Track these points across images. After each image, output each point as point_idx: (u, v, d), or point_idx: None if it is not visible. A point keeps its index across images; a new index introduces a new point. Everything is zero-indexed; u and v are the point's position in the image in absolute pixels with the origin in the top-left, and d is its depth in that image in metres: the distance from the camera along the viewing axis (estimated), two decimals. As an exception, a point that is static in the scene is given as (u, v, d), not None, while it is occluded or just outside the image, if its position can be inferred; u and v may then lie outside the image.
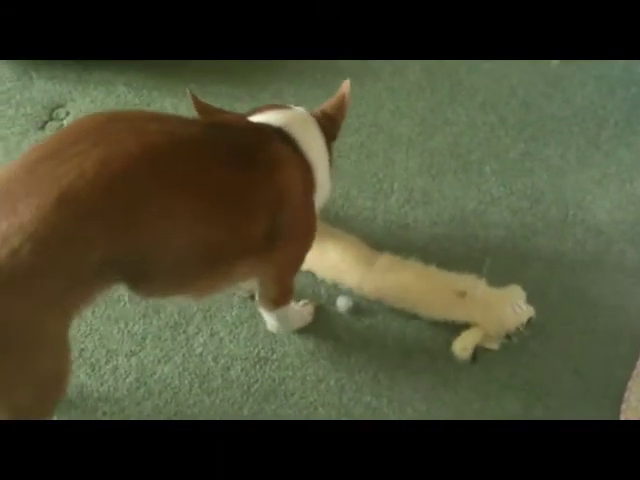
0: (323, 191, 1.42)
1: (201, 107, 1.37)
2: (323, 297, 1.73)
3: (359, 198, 1.93)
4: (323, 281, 1.73)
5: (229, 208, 1.17)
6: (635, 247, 1.86)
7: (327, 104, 1.45)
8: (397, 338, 1.68)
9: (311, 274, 1.73)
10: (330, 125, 1.43)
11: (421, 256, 1.71)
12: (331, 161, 1.45)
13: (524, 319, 1.60)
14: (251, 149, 1.20)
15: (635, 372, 1.61)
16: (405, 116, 2.14)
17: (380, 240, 1.78)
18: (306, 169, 1.32)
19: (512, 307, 1.60)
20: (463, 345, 1.61)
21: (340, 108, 1.44)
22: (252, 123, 1.32)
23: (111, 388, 1.58)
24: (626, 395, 1.58)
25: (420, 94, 2.22)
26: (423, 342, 1.67)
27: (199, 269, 1.21)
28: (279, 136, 1.29)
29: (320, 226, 1.67)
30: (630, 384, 1.60)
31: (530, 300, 1.65)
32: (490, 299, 1.62)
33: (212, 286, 1.34)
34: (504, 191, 1.98)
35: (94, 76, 2.20)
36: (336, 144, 1.97)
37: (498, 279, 1.67)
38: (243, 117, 1.37)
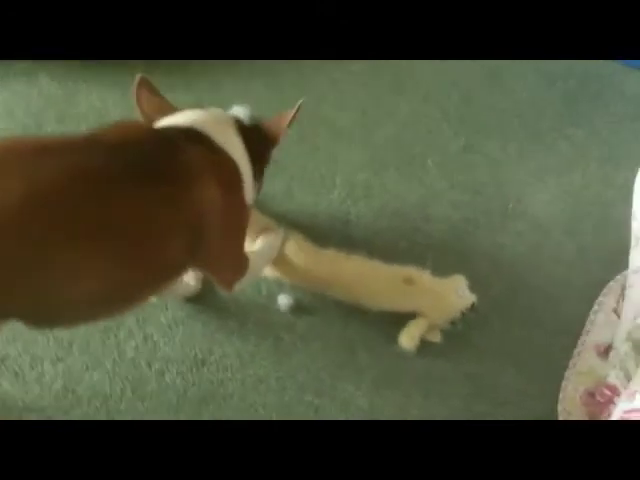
0: (248, 187, 1.34)
1: (145, 97, 1.27)
2: (263, 295, 1.68)
3: (301, 193, 1.88)
4: (264, 278, 1.67)
5: (141, 239, 1.07)
6: (572, 238, 1.88)
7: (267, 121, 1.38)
8: (339, 336, 1.65)
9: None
10: (257, 137, 1.36)
11: (365, 250, 1.68)
12: (259, 179, 1.40)
13: (468, 304, 1.60)
14: (160, 166, 1.10)
15: (572, 362, 1.62)
16: (347, 108, 2.10)
17: (323, 236, 1.73)
18: (227, 164, 1.24)
19: (456, 293, 1.60)
20: (410, 335, 1.59)
21: (277, 127, 1.37)
22: (157, 133, 1.21)
23: (37, 397, 1.49)
24: (563, 384, 1.58)
25: (362, 86, 2.18)
26: (366, 339, 1.64)
27: (118, 302, 1.14)
28: (190, 138, 1.18)
29: (261, 222, 1.65)
30: (567, 374, 1.60)
31: (473, 292, 1.63)
32: (435, 287, 1.61)
33: (134, 305, 1.25)
34: (446, 184, 1.96)
35: (14, 67, 2.04)
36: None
37: (442, 272, 1.65)
38: (146, 126, 1.25)
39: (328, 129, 2.04)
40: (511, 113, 2.16)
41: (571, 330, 1.69)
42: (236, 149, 1.28)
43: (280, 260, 1.62)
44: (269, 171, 1.86)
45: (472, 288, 1.63)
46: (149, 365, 1.56)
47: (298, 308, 1.66)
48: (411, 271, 1.62)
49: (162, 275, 1.19)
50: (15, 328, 1.51)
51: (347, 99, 2.13)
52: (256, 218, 1.60)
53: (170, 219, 1.10)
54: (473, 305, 1.60)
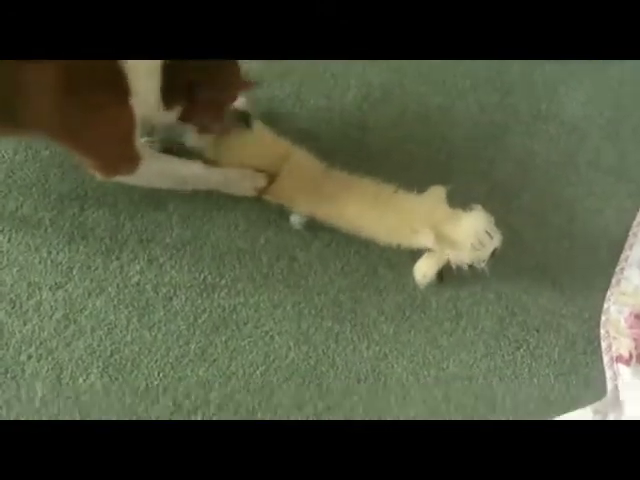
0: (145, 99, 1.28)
1: None
2: (274, 211, 1.54)
3: (311, 97, 1.70)
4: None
5: None
6: (612, 143, 1.73)
7: None
8: (359, 254, 1.53)
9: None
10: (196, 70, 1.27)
11: (382, 162, 1.55)
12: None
13: (486, 255, 1.43)
14: None
15: (614, 280, 1.52)
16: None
17: (337, 145, 1.58)
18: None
19: (472, 245, 1.42)
20: (422, 272, 1.48)
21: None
22: None
23: (36, 327, 1.38)
24: (605, 306, 1.48)
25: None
26: (388, 258, 1.52)
27: None
28: None
29: (265, 138, 1.52)
30: (609, 294, 1.50)
31: (502, 204, 1.54)
32: (447, 236, 1.44)
33: None
34: (470, 84, 1.79)
35: None
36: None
37: (467, 183, 1.52)
38: None
39: (339, 23, 1.83)
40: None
41: (613, 245, 1.58)
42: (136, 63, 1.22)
43: (284, 188, 1.49)
44: (276, 72, 1.70)
45: (502, 199, 1.53)
46: (155, 290, 1.44)
47: (313, 225, 1.53)
48: (420, 218, 1.46)
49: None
50: (10, 252, 1.41)
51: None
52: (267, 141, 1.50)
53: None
54: (495, 251, 1.43)
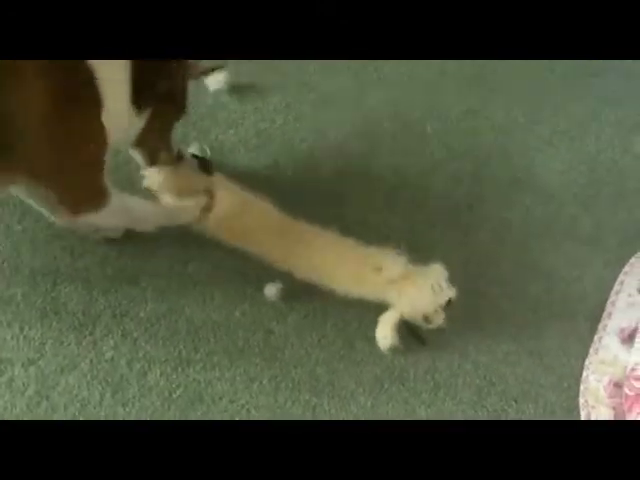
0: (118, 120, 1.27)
1: None
2: (250, 283, 1.54)
3: (287, 168, 1.72)
4: (250, 265, 1.53)
5: None
6: (588, 212, 1.74)
7: None
8: (337, 326, 1.52)
9: (237, 257, 1.53)
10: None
11: (360, 231, 1.55)
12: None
13: (443, 301, 1.45)
14: None
15: (592, 349, 1.50)
16: (336, 72, 1.92)
17: (314, 215, 1.57)
18: (72, 76, 1.15)
19: (431, 287, 1.45)
20: (382, 333, 1.47)
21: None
22: None
23: (8, 404, 1.37)
24: (584, 375, 1.46)
25: (352, 47, 2.00)
26: (365, 329, 1.51)
27: None
28: None
29: (229, 188, 1.55)
30: (587, 363, 1.48)
31: (479, 274, 1.55)
32: (407, 278, 1.47)
33: None
34: (447, 154, 1.81)
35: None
36: (258, 105, 1.78)
37: (443, 252, 1.54)
38: None
39: (315, 95, 1.86)
40: (517, 74, 1.98)
41: (590, 314, 1.56)
42: (107, 70, 1.19)
43: (246, 227, 1.51)
44: (250, 144, 1.73)
45: (478, 269, 1.52)
46: (129, 366, 1.43)
47: (290, 297, 1.52)
48: (383, 259, 1.48)
49: None
50: (-20, 330, 1.41)
51: (334, 62, 1.93)
52: (196, 177, 1.54)
53: None
54: (450, 301, 1.45)
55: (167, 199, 1.54)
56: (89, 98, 1.19)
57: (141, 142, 1.44)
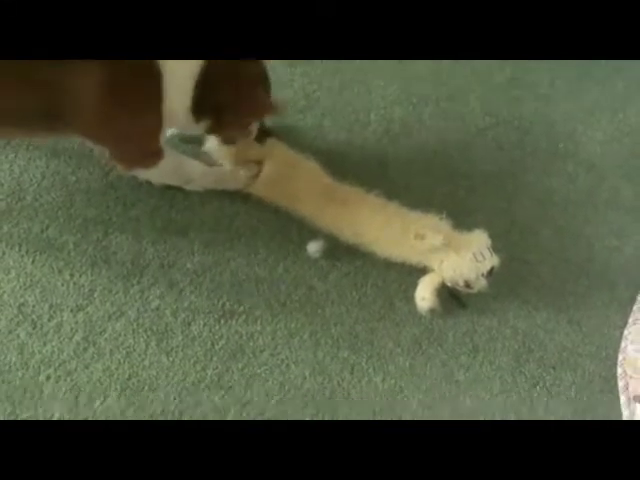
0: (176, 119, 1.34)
1: None
2: (293, 240, 1.56)
3: (332, 130, 1.73)
4: (294, 222, 1.55)
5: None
6: (630, 182, 1.74)
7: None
8: (377, 286, 1.53)
9: (281, 214, 1.55)
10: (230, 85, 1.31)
11: (402, 195, 1.56)
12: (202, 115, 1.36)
13: (485, 269, 1.45)
14: None
15: (631, 319, 1.51)
16: (381, 37, 1.92)
17: (357, 178, 1.58)
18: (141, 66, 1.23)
19: (473, 255, 1.45)
20: (420, 295, 1.48)
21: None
22: None
23: (55, 348, 1.39)
24: (623, 345, 1.47)
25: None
26: (406, 290, 1.53)
27: None
28: None
29: (278, 150, 1.56)
30: (626, 332, 1.49)
31: (520, 241, 1.55)
32: (450, 245, 1.47)
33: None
34: (490, 121, 1.81)
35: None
36: (306, 69, 1.78)
37: (485, 219, 1.54)
38: None
39: (361, 61, 1.86)
40: (562, 43, 1.97)
41: (630, 283, 1.57)
42: (174, 73, 1.26)
43: (292, 189, 1.52)
44: (298, 105, 1.73)
45: (520, 236, 1.53)
46: (174, 315, 1.45)
47: (332, 255, 1.54)
48: (426, 226, 1.48)
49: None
50: (33, 274, 1.44)
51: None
52: (252, 147, 1.55)
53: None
54: (492, 269, 1.45)
55: (221, 165, 1.57)
56: (150, 91, 1.27)
57: (212, 133, 1.48)
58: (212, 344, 1.43)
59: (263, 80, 1.40)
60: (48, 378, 1.35)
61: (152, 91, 1.27)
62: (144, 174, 1.48)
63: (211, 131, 1.44)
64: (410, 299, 1.51)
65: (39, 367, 1.37)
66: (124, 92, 1.26)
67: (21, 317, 1.41)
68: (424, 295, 1.48)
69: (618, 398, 1.44)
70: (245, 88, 1.33)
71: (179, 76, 1.27)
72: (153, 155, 1.42)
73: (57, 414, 1.31)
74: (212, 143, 1.57)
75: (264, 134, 1.55)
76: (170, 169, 1.47)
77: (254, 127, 1.50)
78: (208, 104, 1.32)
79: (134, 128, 1.34)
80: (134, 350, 1.41)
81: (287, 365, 1.43)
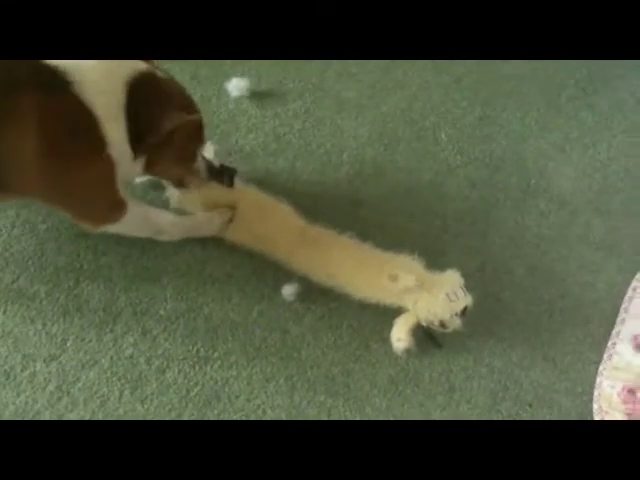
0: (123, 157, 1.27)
1: None
2: (267, 284, 1.56)
3: (305, 172, 1.75)
4: (268, 265, 1.55)
5: None
6: (601, 217, 1.75)
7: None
8: (352, 327, 1.54)
9: (255, 257, 1.55)
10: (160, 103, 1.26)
11: (375, 235, 1.57)
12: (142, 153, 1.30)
13: (459, 308, 1.45)
14: None
15: (606, 355, 1.51)
16: (353, 79, 1.95)
17: (330, 219, 1.60)
18: (69, 114, 1.18)
19: (446, 295, 1.45)
20: (397, 335, 1.48)
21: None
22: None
23: (29, 399, 1.38)
24: (598, 381, 1.48)
25: (369, 54, 2.02)
26: (381, 331, 1.53)
27: None
28: (42, 79, 1.15)
29: (249, 193, 1.57)
30: (601, 368, 1.49)
31: (494, 279, 1.56)
32: (423, 286, 1.47)
33: None
34: (461, 160, 1.83)
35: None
36: (278, 111, 1.80)
37: (457, 257, 1.57)
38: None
39: (333, 101, 1.89)
40: (529, 81, 2.02)
41: (604, 319, 1.58)
42: (106, 106, 1.20)
43: (265, 232, 1.52)
44: (269, 149, 1.75)
45: (493, 274, 1.53)
46: (148, 363, 1.45)
47: (306, 298, 1.54)
48: (399, 266, 1.48)
49: None
50: (5, 324, 1.43)
51: (353, 69, 1.97)
52: (219, 191, 1.53)
53: None
54: (466, 308, 1.46)
55: (191, 213, 1.56)
56: (89, 135, 1.21)
57: (150, 171, 1.40)
58: (187, 391, 1.42)
59: (181, 100, 1.33)
60: (20, 430, 1.34)
61: (91, 135, 1.21)
62: (112, 229, 1.43)
63: (148, 168, 1.36)
64: (386, 340, 1.51)
65: (12, 418, 1.35)
66: (60, 143, 1.20)
67: (-7, 368, 1.39)
68: (400, 336, 1.48)
69: (595, 435, 1.44)
70: (160, 109, 1.26)
71: (110, 107, 1.21)
72: (115, 208, 1.37)
73: (28, 468, 1.29)
74: (173, 190, 1.56)
75: (232, 177, 1.54)
76: (138, 221, 1.44)
77: (197, 163, 1.44)
78: (138, 134, 1.26)
79: (84, 181, 1.27)
80: (108, 399, 1.40)
81: (263, 410, 1.42)
